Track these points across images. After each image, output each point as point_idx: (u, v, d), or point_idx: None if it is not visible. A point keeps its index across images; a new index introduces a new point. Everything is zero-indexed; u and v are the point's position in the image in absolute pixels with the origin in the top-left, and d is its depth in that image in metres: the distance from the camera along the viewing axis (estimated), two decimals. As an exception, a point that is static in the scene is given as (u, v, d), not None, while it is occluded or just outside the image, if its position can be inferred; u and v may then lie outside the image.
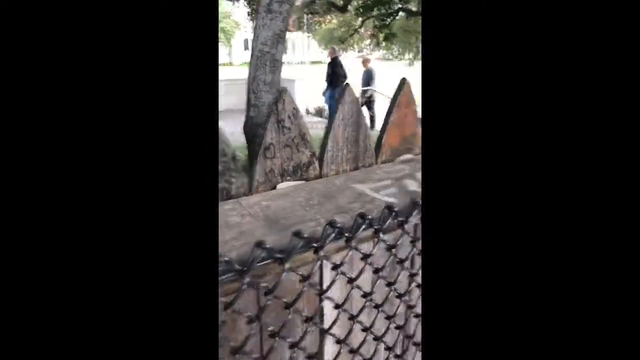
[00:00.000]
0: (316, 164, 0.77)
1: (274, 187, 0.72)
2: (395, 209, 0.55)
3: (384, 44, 10.94)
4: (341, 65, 7.37)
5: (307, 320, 0.51)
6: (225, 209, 0.63)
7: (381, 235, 0.54)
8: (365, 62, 7.85)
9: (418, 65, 10.77)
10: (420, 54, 10.55)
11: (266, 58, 2.74)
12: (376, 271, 0.57)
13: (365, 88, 7.48)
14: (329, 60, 7.68)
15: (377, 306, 0.59)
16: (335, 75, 7.27)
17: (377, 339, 0.60)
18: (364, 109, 7.41)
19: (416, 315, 0.68)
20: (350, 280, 0.55)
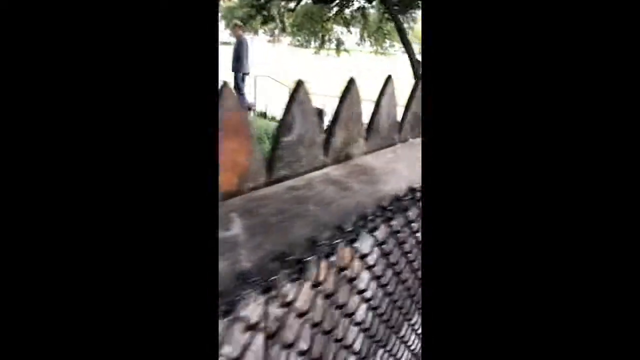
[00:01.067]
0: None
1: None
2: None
3: (289, 29, 10.84)
4: None
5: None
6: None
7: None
8: (235, 28, 6.25)
9: (323, 54, 10.95)
10: (325, 44, 10.72)
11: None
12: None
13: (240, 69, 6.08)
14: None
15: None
16: None
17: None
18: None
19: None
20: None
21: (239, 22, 6.63)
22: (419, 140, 1.00)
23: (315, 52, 10.97)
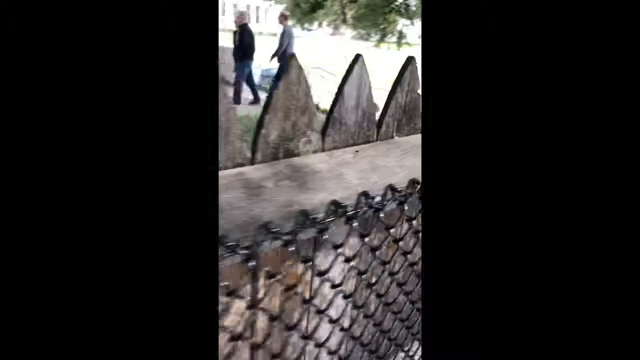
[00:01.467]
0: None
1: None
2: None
3: (351, 21, 10.58)
4: (251, 34, 6.05)
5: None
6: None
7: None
8: (282, 18, 6.34)
9: (384, 47, 10.56)
10: (386, 36, 10.32)
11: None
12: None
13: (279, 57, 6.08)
14: (234, 28, 6.14)
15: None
16: (243, 46, 5.94)
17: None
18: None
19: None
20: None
21: (285, 12, 6.59)
22: (407, 138, 0.81)
23: (375, 45, 10.61)
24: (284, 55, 6.23)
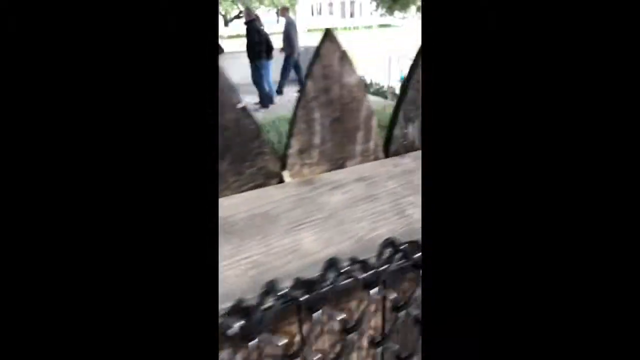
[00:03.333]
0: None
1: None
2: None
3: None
4: (259, 31, 5.33)
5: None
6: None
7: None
8: (282, 11, 6.03)
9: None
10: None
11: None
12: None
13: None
14: (245, 26, 5.46)
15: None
16: (251, 45, 5.28)
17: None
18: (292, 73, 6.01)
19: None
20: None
21: (286, 5, 6.22)
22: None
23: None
24: (292, 52, 5.78)
